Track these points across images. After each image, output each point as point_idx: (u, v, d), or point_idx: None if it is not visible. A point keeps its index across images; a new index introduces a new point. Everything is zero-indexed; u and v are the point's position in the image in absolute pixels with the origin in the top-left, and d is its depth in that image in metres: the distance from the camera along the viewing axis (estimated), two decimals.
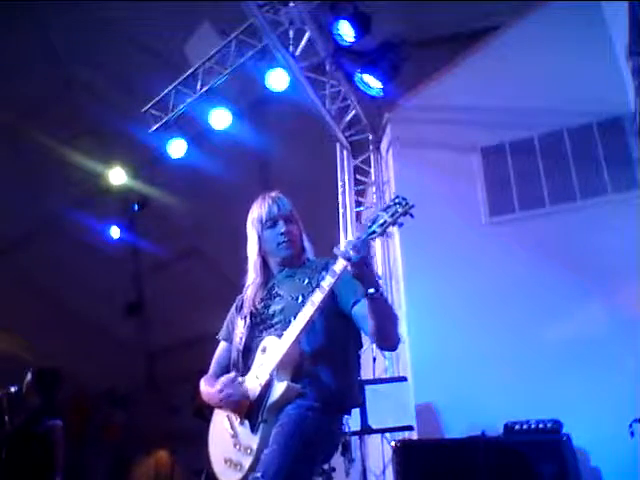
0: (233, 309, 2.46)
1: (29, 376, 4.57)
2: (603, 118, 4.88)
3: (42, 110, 7.48)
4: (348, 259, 1.84)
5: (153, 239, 8.97)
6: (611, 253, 4.43)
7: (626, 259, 4.27)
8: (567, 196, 4.88)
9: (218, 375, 2.30)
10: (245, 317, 2.26)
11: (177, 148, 5.83)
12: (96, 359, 10.67)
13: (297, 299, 2.13)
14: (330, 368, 2.06)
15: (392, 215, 1.86)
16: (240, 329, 2.26)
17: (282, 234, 2.27)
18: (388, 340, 2.07)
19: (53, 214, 8.59)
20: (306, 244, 2.34)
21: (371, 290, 1.89)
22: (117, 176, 7.14)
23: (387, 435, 4.66)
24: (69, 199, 8.53)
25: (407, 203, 1.86)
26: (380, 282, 2.03)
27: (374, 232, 1.87)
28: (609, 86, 4.82)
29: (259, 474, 1.84)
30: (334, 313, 2.11)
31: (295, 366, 2.05)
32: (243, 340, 2.21)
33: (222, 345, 2.45)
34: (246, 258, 2.41)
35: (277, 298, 2.22)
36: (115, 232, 8.16)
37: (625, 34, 4.08)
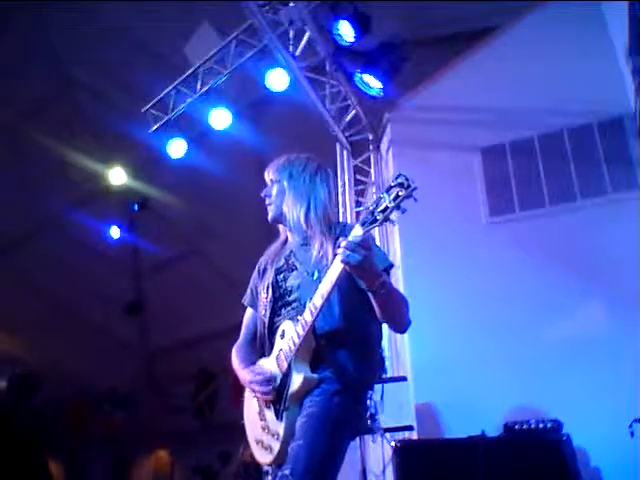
0: (255, 273, 2.39)
1: (2, 384, 4.61)
2: (603, 118, 4.88)
3: (42, 110, 7.49)
4: (346, 263, 1.80)
5: (153, 239, 8.97)
6: (611, 253, 4.43)
7: (626, 259, 4.27)
8: (567, 196, 4.88)
9: (249, 341, 2.34)
10: (267, 289, 2.21)
11: (177, 148, 5.83)
12: (96, 359, 10.68)
13: (312, 275, 2.08)
14: (349, 349, 2.03)
15: (394, 199, 1.72)
16: (263, 300, 2.23)
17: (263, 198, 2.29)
18: (398, 325, 2.09)
19: (53, 214, 8.59)
20: (304, 213, 2.20)
21: (373, 288, 1.87)
22: (117, 176, 7.14)
23: (387, 435, 4.66)
24: (69, 199, 8.53)
25: (409, 184, 1.71)
26: (383, 279, 1.89)
27: (375, 220, 1.77)
28: (609, 86, 4.82)
29: (287, 471, 1.83)
30: (351, 288, 2.03)
31: (312, 354, 2.04)
32: (267, 315, 2.19)
33: (249, 311, 2.41)
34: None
35: (294, 271, 2.17)
36: (115, 232, 8.17)
37: (625, 34, 4.08)
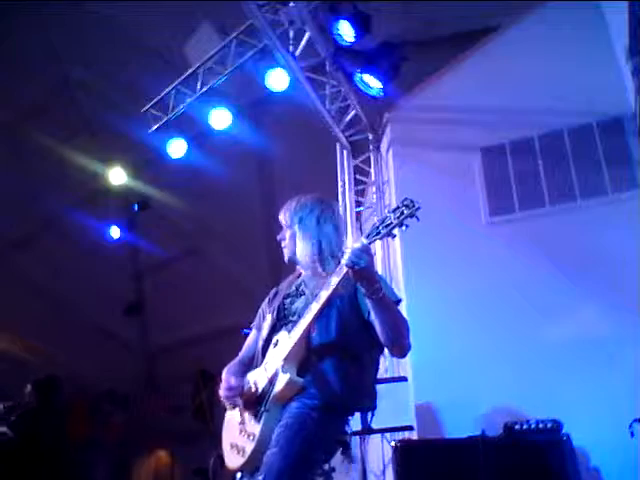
0: (266, 300, 2.55)
1: (28, 387, 4.73)
2: (603, 118, 4.88)
3: (42, 110, 7.48)
4: (350, 266, 1.91)
5: (153, 239, 8.97)
6: (611, 253, 4.43)
7: (626, 259, 4.27)
8: (567, 196, 4.88)
9: (244, 362, 2.45)
10: (272, 311, 2.34)
11: (177, 148, 5.83)
12: (96, 359, 10.67)
13: (317, 297, 2.15)
14: (337, 365, 2.07)
15: (398, 217, 1.92)
16: (267, 322, 2.35)
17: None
18: (398, 347, 2.11)
19: (53, 214, 8.59)
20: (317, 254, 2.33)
21: (374, 293, 1.95)
22: (117, 176, 7.14)
23: (387, 435, 4.66)
24: (69, 199, 8.53)
25: (414, 205, 1.90)
26: (380, 285, 1.99)
27: (379, 233, 1.96)
28: (609, 86, 4.82)
29: (261, 477, 1.90)
30: (353, 311, 2.15)
31: (301, 360, 2.10)
32: (267, 332, 2.30)
33: (252, 333, 2.55)
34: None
35: (302, 297, 2.29)
36: (115, 232, 8.17)
37: (625, 34, 4.08)
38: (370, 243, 1.95)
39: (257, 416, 2.10)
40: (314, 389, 2.06)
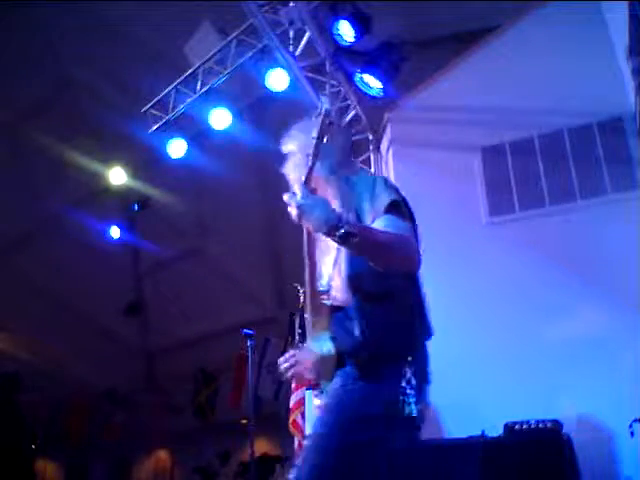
0: None
1: None
2: (603, 118, 4.88)
3: (42, 110, 7.49)
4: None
5: (153, 239, 8.98)
6: (611, 253, 4.43)
7: (626, 259, 4.26)
8: (567, 196, 4.88)
9: None
10: None
11: (177, 148, 5.83)
12: (96, 359, 10.68)
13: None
14: (357, 308, 1.78)
15: (317, 144, 1.67)
16: None
17: None
18: (398, 267, 1.75)
19: (53, 214, 8.60)
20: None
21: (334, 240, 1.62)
22: (117, 176, 7.15)
23: None
24: (69, 199, 8.54)
25: (321, 113, 1.68)
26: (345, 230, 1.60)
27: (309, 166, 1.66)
28: (609, 86, 4.81)
29: (293, 475, 1.73)
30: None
31: (326, 318, 1.87)
32: None
33: None
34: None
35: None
36: (115, 232, 8.17)
37: (625, 34, 4.08)
38: (306, 183, 1.63)
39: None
40: (343, 342, 1.78)
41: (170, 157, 5.91)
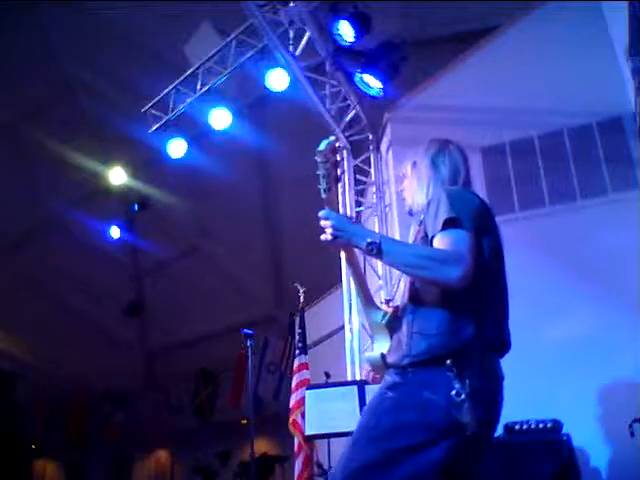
0: None
1: None
2: (603, 118, 4.88)
3: (42, 110, 7.49)
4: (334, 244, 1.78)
5: (153, 239, 8.98)
6: (611, 253, 4.43)
7: (626, 259, 4.27)
8: (567, 196, 4.88)
9: None
10: None
11: (177, 148, 5.83)
12: (96, 359, 10.69)
13: None
14: (408, 319, 1.81)
15: (325, 175, 1.85)
16: None
17: None
18: (429, 281, 1.76)
19: (53, 214, 8.60)
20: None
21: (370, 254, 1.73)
22: (117, 176, 7.15)
23: None
24: (69, 199, 8.54)
25: (321, 150, 1.83)
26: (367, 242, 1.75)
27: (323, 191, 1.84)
28: (609, 86, 4.82)
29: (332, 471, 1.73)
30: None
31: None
32: None
33: None
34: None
35: None
36: (115, 232, 8.17)
37: (625, 34, 4.08)
38: (326, 210, 1.79)
39: None
40: (393, 352, 1.82)
41: (170, 157, 5.91)
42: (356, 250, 1.87)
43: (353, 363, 5.25)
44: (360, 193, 6.25)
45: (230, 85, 5.52)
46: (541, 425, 3.76)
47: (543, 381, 4.29)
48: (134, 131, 6.30)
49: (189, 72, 5.53)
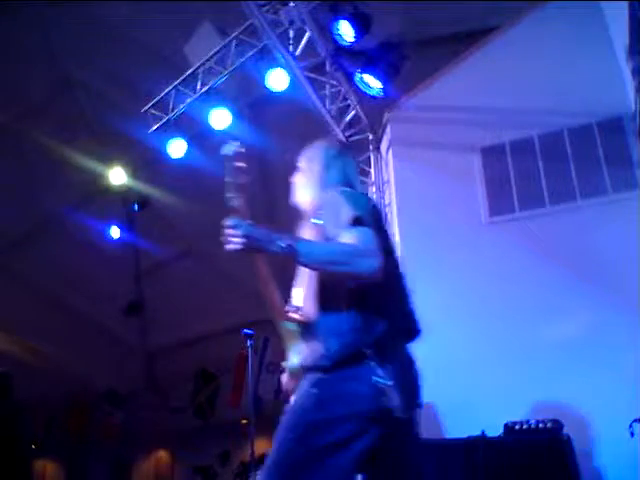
0: None
1: None
2: (603, 118, 4.88)
3: (42, 110, 7.49)
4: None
5: (153, 239, 8.98)
6: (611, 253, 4.43)
7: (626, 259, 4.27)
8: (567, 196, 4.88)
9: None
10: None
11: (177, 148, 5.83)
12: (96, 359, 10.69)
13: None
14: (325, 315, 1.85)
15: (232, 182, 1.89)
16: None
17: None
18: (346, 276, 1.80)
19: (53, 214, 8.60)
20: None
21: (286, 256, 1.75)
22: (117, 176, 7.14)
23: None
24: (69, 199, 8.54)
25: (227, 155, 1.88)
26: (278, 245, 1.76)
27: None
28: (609, 86, 4.82)
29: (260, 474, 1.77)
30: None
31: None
32: None
33: None
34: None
35: None
36: (115, 232, 8.17)
37: (625, 34, 4.08)
38: (233, 219, 1.79)
39: None
40: (307, 352, 1.88)
41: (170, 157, 5.91)
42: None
43: None
44: None
45: (230, 85, 5.52)
46: (541, 425, 3.77)
47: (543, 381, 4.29)
48: (134, 131, 6.29)
49: (189, 72, 5.53)
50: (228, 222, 1.78)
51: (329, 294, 1.87)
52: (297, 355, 1.92)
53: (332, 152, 2.17)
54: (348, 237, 1.77)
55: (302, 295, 1.98)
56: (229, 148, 1.90)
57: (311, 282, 1.93)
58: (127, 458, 13.29)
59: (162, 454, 13.25)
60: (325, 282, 1.88)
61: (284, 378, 2.01)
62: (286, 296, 2.07)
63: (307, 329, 1.90)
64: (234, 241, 1.76)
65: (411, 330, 1.96)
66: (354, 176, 2.17)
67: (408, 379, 1.85)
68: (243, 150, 1.92)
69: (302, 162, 2.21)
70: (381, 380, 1.71)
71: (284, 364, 1.97)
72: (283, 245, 1.74)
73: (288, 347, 1.97)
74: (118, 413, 12.94)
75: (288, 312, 2.00)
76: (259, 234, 1.78)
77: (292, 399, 1.89)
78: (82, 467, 13.17)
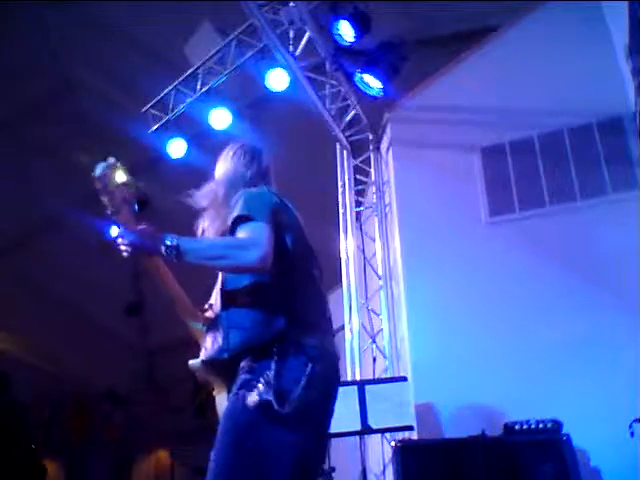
0: None
1: None
2: (603, 118, 4.88)
3: (42, 110, 7.48)
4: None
5: None
6: (611, 253, 4.43)
7: (626, 259, 4.27)
8: (567, 196, 4.88)
9: None
10: None
11: (177, 148, 5.83)
12: (96, 359, 10.68)
13: None
14: (227, 310, 1.90)
15: (108, 199, 2.01)
16: None
17: None
18: (234, 270, 1.89)
19: (53, 214, 8.59)
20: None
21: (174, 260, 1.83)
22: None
23: (387, 435, 4.66)
24: (69, 199, 8.53)
25: (96, 176, 2.02)
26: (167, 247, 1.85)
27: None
28: (609, 86, 4.82)
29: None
30: None
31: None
32: None
33: None
34: None
35: None
36: (115, 232, 8.15)
37: (625, 34, 4.08)
38: (114, 228, 1.93)
39: None
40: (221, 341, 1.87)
41: (170, 157, 5.91)
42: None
43: (353, 363, 5.26)
44: (360, 193, 6.26)
45: (230, 85, 5.52)
46: (541, 425, 3.77)
47: (543, 381, 4.30)
48: (134, 131, 6.29)
49: (189, 72, 5.53)
50: (112, 234, 1.93)
51: (233, 290, 1.90)
52: (202, 352, 1.93)
53: (233, 155, 2.27)
54: (235, 234, 1.83)
55: (217, 291, 2.05)
56: (98, 169, 2.03)
57: (219, 280, 1.99)
58: (127, 458, 13.29)
59: (162, 454, 13.25)
60: (228, 279, 1.94)
61: (198, 377, 2.01)
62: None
63: (213, 324, 1.93)
64: (122, 249, 1.89)
65: (317, 324, 1.92)
66: (257, 166, 2.24)
67: (323, 375, 1.80)
68: (113, 162, 2.05)
69: (218, 164, 2.32)
70: (270, 382, 1.71)
71: (189, 362, 1.97)
72: (168, 244, 1.82)
73: (201, 345, 1.97)
74: (118, 413, 12.94)
75: (203, 310, 2.09)
76: (144, 239, 1.90)
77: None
78: (82, 467, 13.17)
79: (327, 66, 5.34)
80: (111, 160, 2.01)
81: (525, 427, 3.81)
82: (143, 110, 5.86)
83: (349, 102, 5.78)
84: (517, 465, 3.63)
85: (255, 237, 1.78)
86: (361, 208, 6.16)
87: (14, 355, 10.14)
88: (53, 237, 8.83)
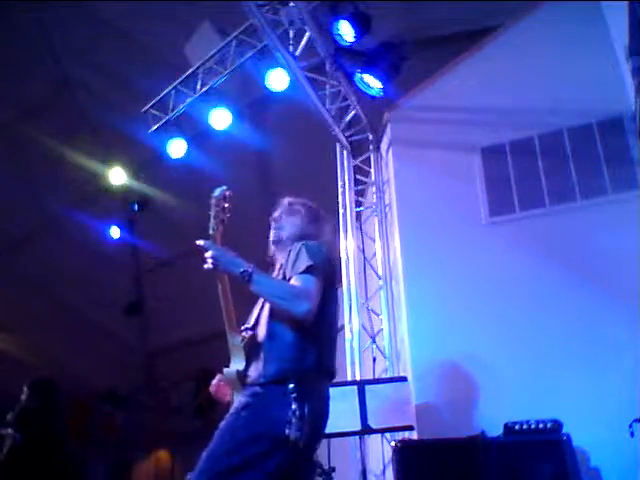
0: None
1: (25, 390, 4.71)
2: (603, 118, 4.87)
3: (42, 110, 7.49)
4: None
5: (153, 239, 8.97)
6: (611, 253, 4.43)
7: (626, 259, 4.26)
8: (567, 196, 4.88)
9: None
10: None
11: (177, 148, 5.83)
12: (96, 359, 10.68)
13: None
14: (271, 342, 2.20)
15: (214, 216, 2.32)
16: None
17: None
18: (285, 312, 2.17)
19: (53, 214, 8.60)
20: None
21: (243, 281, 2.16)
22: (117, 176, 7.14)
23: (387, 435, 4.66)
24: (69, 199, 8.53)
25: (215, 196, 2.33)
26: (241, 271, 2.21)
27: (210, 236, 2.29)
28: (609, 86, 4.81)
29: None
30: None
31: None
32: None
33: None
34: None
35: None
36: (115, 232, 8.16)
37: (625, 34, 4.07)
38: (209, 241, 2.26)
39: None
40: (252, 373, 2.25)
41: (170, 157, 5.91)
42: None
43: (353, 363, 5.25)
44: (360, 193, 6.25)
45: (230, 85, 5.52)
46: (541, 425, 3.76)
47: (543, 381, 4.29)
48: (134, 131, 6.29)
49: (189, 72, 5.53)
50: (201, 243, 2.24)
51: (279, 325, 2.20)
52: (237, 365, 2.24)
53: (309, 215, 2.58)
54: (296, 280, 2.18)
55: (256, 317, 2.34)
56: (219, 191, 2.37)
57: (267, 310, 2.28)
58: (127, 458, 13.29)
59: (162, 454, 13.25)
60: (277, 313, 2.22)
61: (214, 381, 2.39)
62: (242, 314, 2.42)
63: (255, 348, 2.24)
64: (208, 262, 2.21)
65: (333, 372, 2.32)
66: (330, 235, 2.62)
67: (321, 414, 2.16)
68: (230, 193, 2.38)
69: (283, 206, 2.63)
70: (297, 411, 2.02)
71: (224, 370, 2.27)
72: (242, 270, 2.16)
73: (232, 357, 2.27)
74: (118, 413, 12.94)
75: (242, 329, 2.35)
76: (226, 257, 2.22)
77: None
78: (82, 467, 13.17)
79: (327, 66, 5.34)
80: (225, 187, 2.38)
81: (525, 427, 3.80)
82: (143, 110, 5.86)
83: (349, 102, 5.78)
84: (517, 465, 3.62)
85: (310, 290, 2.15)
86: (361, 208, 6.15)
87: (14, 355, 10.14)
88: (53, 237, 8.83)
